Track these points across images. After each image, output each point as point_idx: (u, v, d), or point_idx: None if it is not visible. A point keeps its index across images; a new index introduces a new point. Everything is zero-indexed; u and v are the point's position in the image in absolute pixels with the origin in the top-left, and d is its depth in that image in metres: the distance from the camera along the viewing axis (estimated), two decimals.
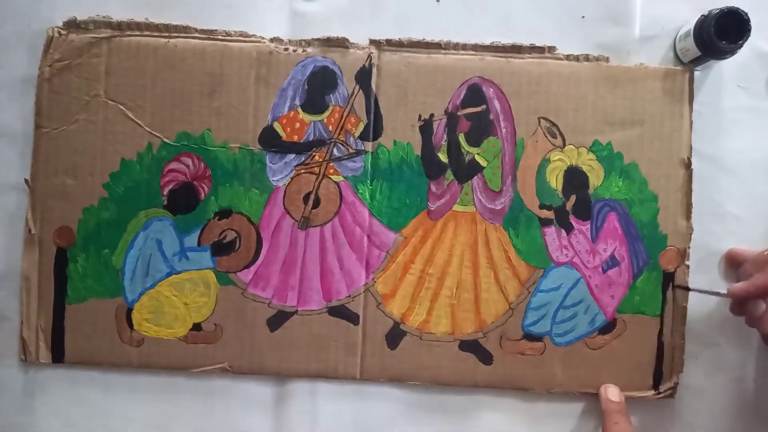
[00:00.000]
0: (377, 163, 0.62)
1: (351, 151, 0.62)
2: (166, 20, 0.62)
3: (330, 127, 0.62)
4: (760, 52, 0.63)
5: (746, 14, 0.57)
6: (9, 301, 0.62)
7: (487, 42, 0.62)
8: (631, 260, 0.61)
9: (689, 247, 0.61)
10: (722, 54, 0.59)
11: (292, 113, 0.62)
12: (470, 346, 0.62)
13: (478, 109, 0.62)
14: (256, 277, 0.62)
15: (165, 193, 0.62)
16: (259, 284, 0.62)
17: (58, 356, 0.61)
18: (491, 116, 0.62)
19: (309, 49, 0.62)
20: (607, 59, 0.62)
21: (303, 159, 0.62)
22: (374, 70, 0.62)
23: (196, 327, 0.61)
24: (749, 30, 0.57)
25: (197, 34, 0.62)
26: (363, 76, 0.62)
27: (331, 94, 0.62)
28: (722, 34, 0.57)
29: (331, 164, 0.62)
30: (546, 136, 0.62)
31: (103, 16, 0.61)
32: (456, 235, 0.62)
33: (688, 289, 0.61)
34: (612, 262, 0.62)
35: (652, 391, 0.61)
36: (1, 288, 0.62)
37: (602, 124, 0.62)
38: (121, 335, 0.61)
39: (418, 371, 0.62)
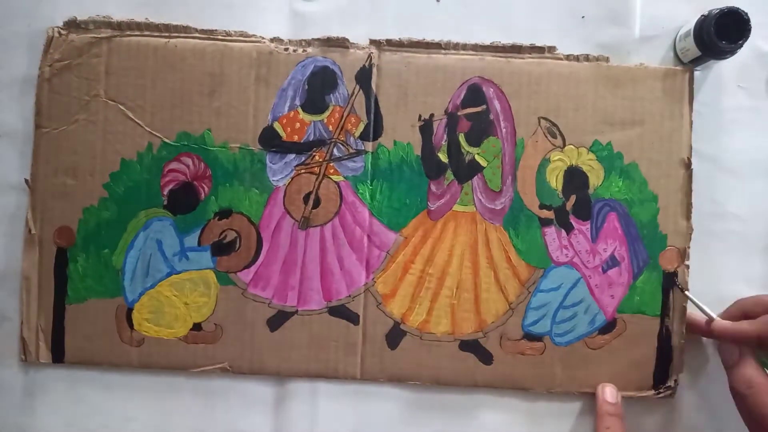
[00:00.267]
0: (377, 163, 0.62)
1: (351, 151, 0.62)
2: (166, 20, 0.62)
3: (330, 127, 0.62)
4: (760, 52, 0.63)
5: (746, 14, 0.57)
6: (9, 301, 0.62)
7: (487, 42, 0.62)
8: (631, 260, 0.61)
9: (689, 247, 0.61)
10: (722, 54, 0.59)
11: (292, 113, 0.62)
12: (470, 346, 0.62)
13: (478, 109, 0.62)
14: (256, 277, 0.62)
15: (165, 193, 0.62)
16: (259, 284, 0.62)
17: (58, 356, 0.61)
18: (491, 116, 0.62)
19: (309, 49, 0.62)
20: (607, 59, 0.62)
21: (303, 159, 0.62)
22: (374, 70, 0.62)
23: (197, 327, 0.61)
24: (749, 30, 0.57)
25: (197, 34, 0.62)
26: (363, 76, 0.62)
27: (331, 94, 0.62)
28: (722, 34, 0.57)
29: (332, 164, 0.62)
30: (546, 136, 0.62)
31: (104, 16, 0.62)
32: (456, 235, 0.62)
33: (685, 294, 0.60)
34: (612, 262, 0.62)
35: (652, 391, 0.61)
36: (1, 288, 0.62)
37: (602, 124, 0.62)
38: (121, 335, 0.61)
39: (418, 371, 0.62)
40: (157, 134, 0.61)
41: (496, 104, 0.62)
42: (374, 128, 0.62)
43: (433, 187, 0.62)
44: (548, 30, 0.63)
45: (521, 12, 0.63)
